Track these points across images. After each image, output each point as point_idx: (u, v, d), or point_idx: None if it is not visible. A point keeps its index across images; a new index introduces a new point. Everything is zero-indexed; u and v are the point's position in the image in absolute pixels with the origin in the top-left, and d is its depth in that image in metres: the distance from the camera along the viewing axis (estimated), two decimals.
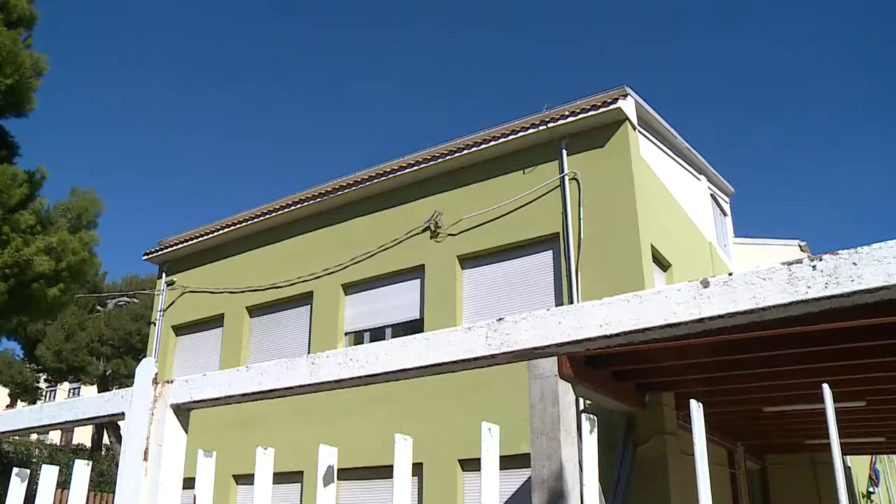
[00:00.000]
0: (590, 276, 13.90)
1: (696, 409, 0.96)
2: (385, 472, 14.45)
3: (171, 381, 1.73)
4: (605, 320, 1.08)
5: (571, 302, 14.01)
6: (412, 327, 15.77)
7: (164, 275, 21.38)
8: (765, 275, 1.03)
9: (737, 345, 9.79)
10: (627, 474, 11.71)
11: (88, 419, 1.97)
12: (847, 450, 21.26)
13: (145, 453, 1.69)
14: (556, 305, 14.27)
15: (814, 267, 1.00)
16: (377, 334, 16.71)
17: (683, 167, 18.45)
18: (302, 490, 15.44)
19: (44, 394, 39.20)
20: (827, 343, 9.70)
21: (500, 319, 1.17)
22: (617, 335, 1.07)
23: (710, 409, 14.00)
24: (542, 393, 9.82)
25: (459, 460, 14.08)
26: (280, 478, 15.15)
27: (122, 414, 1.82)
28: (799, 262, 1.03)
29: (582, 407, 12.23)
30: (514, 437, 11.73)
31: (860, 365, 10.62)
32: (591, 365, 10.53)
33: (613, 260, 13.67)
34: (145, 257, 21.76)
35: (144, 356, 21.72)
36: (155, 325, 21.13)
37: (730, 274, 1.05)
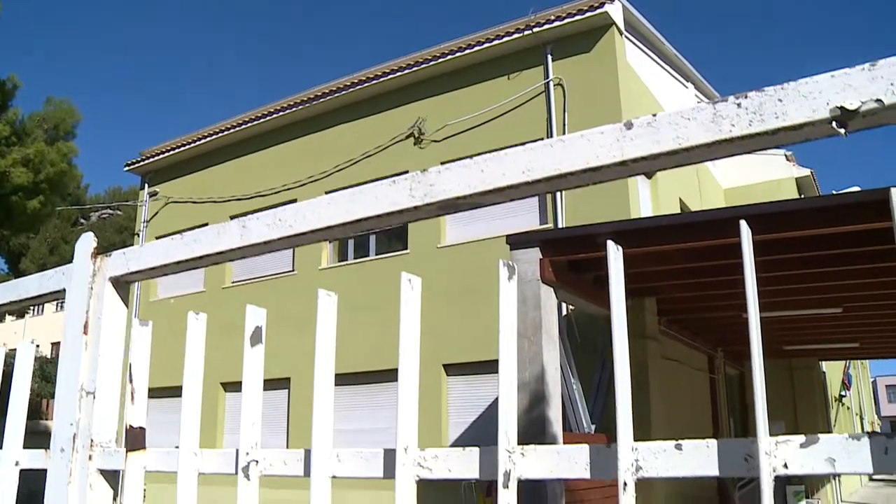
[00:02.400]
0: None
1: (614, 252, 0.93)
2: (375, 377, 14.68)
3: (109, 255, 1.70)
4: (527, 167, 1.04)
5: (555, 210, 14.01)
6: (396, 233, 15.78)
7: (146, 186, 21.21)
8: (689, 114, 0.99)
9: (717, 251, 9.83)
10: (608, 378, 11.90)
11: (32, 298, 1.95)
12: (823, 355, 21.67)
13: (85, 326, 1.66)
14: (541, 214, 14.32)
15: (739, 105, 0.96)
16: (361, 240, 16.74)
17: (671, 74, 18.22)
18: (289, 396, 15.67)
19: (29, 308, 39.31)
20: (805, 249, 9.76)
21: (425, 171, 1.13)
22: (538, 181, 1.03)
23: (691, 314, 14.17)
24: (524, 297, 9.87)
25: (444, 365, 14.28)
26: (267, 385, 15.32)
27: (64, 291, 1.79)
28: (724, 100, 0.99)
29: (565, 312, 12.36)
30: (496, 342, 11.84)
31: (837, 272, 10.72)
32: (573, 270, 10.58)
33: None
34: (127, 168, 21.52)
35: None
36: (139, 236, 21.06)
37: (654, 115, 1.01)
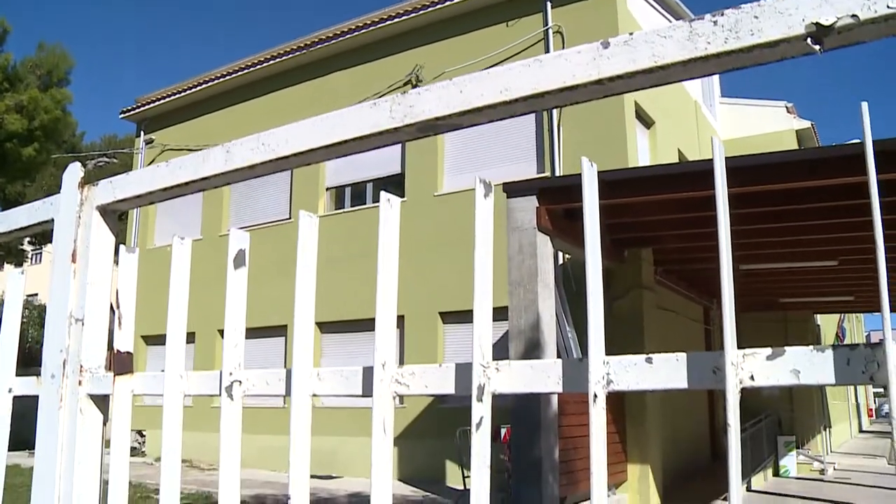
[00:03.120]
0: (571, 132, 13.80)
1: (588, 168, 0.93)
2: (372, 324, 14.76)
3: (96, 184, 1.70)
4: (505, 87, 1.04)
5: (553, 159, 13.97)
6: (393, 182, 15.77)
7: (142, 133, 21.09)
8: (665, 33, 0.99)
9: (713, 201, 9.81)
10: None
11: (22, 229, 1.96)
12: (818, 309, 21.80)
13: (73, 255, 1.68)
14: (538, 162, 14.27)
15: (715, 22, 0.96)
16: (358, 189, 16.72)
17: (672, 22, 18.02)
18: (286, 343, 15.79)
19: (29, 256, 39.24)
20: (803, 201, 9.76)
21: (405, 92, 1.13)
22: (516, 101, 1.03)
23: (687, 265, 14.23)
24: (520, 245, 9.91)
25: (440, 313, 14.37)
26: (265, 332, 15.47)
27: (52, 221, 1.80)
28: (700, 18, 0.98)
29: (561, 261, 12.39)
30: (494, 291, 11.89)
31: (834, 224, 10.73)
32: (569, 218, 10.60)
33: (596, 116, 13.52)
34: (122, 116, 21.37)
35: (125, 217, 21.76)
36: None
37: (630, 33, 1.00)
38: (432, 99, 1.11)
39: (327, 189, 17.11)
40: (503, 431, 11.56)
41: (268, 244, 14.91)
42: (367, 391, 1.11)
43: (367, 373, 1.12)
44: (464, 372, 1.04)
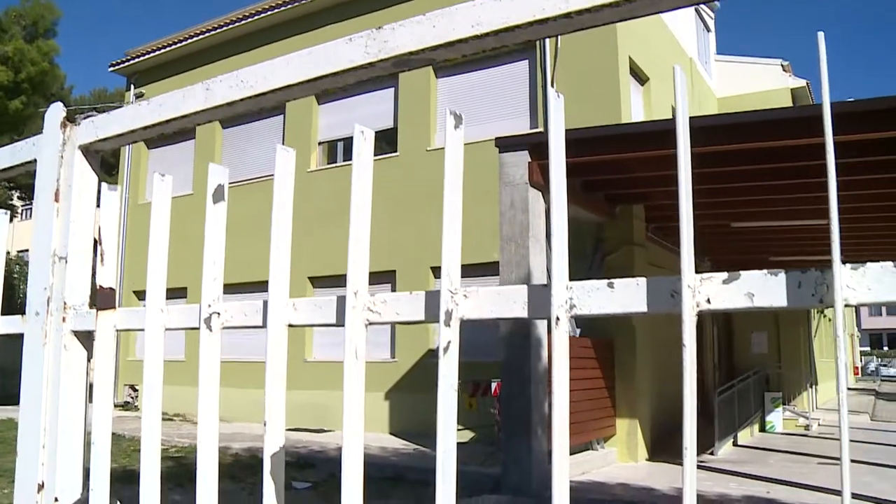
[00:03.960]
0: (565, 88, 13.72)
1: (555, 99, 0.95)
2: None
3: (78, 124, 1.71)
4: (476, 21, 1.05)
5: (546, 115, 13.91)
6: (386, 136, 15.71)
7: (132, 87, 20.91)
8: None
9: (706, 158, 9.83)
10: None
11: (4, 170, 1.97)
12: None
13: (56, 194, 1.69)
14: (531, 118, 14.23)
15: None
16: (350, 143, 16.66)
17: None
18: None
19: (19, 210, 39.09)
20: (795, 159, 9.77)
21: (380, 28, 1.14)
22: (487, 35, 1.05)
23: (678, 222, 14.24)
24: (512, 200, 9.92)
25: (432, 268, 14.41)
26: (254, 287, 15.47)
27: (35, 161, 1.81)
28: None
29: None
30: (486, 246, 11.94)
31: (827, 182, 10.74)
32: None
33: (589, 71, 13.45)
34: (112, 69, 21.16)
35: (116, 170, 21.61)
36: None
37: None
38: (406, 34, 1.12)
39: (319, 143, 17.05)
40: (493, 385, 11.68)
41: (260, 198, 14.88)
42: (341, 320, 1.14)
43: (341, 301, 1.15)
44: (433, 299, 1.06)
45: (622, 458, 11.83)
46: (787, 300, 0.86)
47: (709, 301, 0.89)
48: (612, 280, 0.94)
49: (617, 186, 11.41)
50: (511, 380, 9.68)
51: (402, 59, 1.13)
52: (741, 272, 0.89)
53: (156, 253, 1.44)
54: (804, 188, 11.10)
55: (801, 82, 23.65)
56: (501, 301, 1.03)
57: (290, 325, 1.24)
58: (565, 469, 0.92)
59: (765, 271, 0.88)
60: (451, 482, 1.01)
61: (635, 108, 14.47)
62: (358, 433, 1.11)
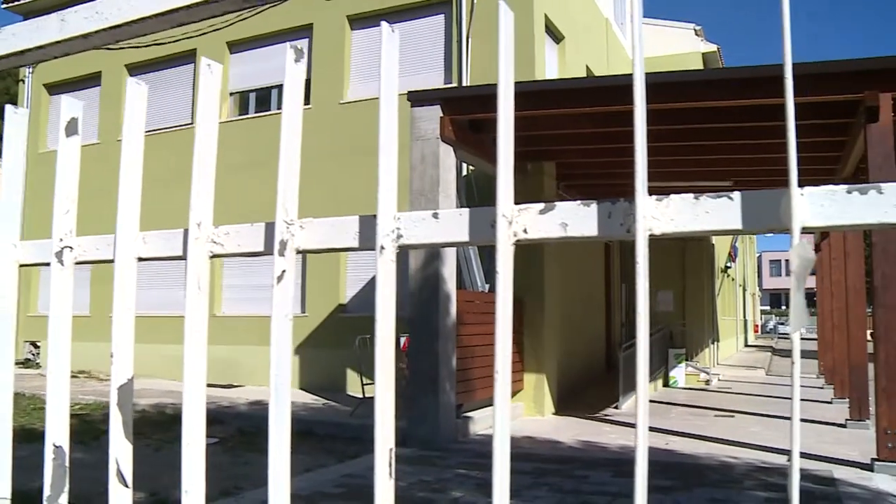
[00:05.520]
0: (480, 44, 13.73)
1: (389, 33, 0.96)
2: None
3: None
4: None
5: (461, 70, 13.90)
6: None
7: None
8: None
9: (616, 117, 10.00)
10: None
11: None
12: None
13: None
14: (446, 73, 14.20)
15: None
16: (262, 94, 16.36)
17: None
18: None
19: None
20: (701, 121, 10.03)
21: None
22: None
23: (589, 181, 14.49)
24: (422, 155, 9.92)
25: None
26: None
27: None
28: None
29: (465, 172, 12.47)
30: (399, 201, 11.91)
31: (729, 145, 11.08)
32: (474, 130, 10.63)
33: None
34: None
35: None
36: (24, 82, 20.07)
37: None
38: None
39: (231, 94, 16.69)
40: (402, 340, 11.75)
41: (167, 150, 14.49)
42: (186, 252, 1.14)
43: (186, 234, 1.15)
44: (272, 231, 1.08)
45: (529, 412, 12.10)
46: (597, 230, 0.90)
47: (526, 231, 0.93)
48: (438, 211, 0.97)
49: (528, 143, 11.52)
50: (419, 335, 9.77)
51: None
52: (556, 203, 0.92)
53: (8, 186, 1.41)
54: (708, 150, 11.44)
55: (712, 47, 24.17)
56: (335, 232, 1.05)
57: (140, 259, 1.23)
58: (388, 401, 0.96)
59: (578, 202, 0.92)
60: (285, 404, 1.03)
61: (550, 66, 14.57)
62: (199, 371, 1.12)
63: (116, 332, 1.19)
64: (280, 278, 1.03)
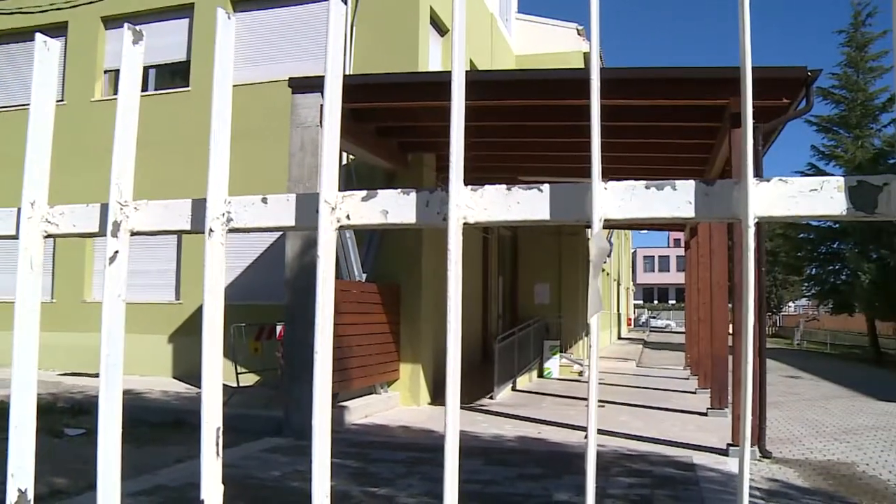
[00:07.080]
0: (364, 34, 13.69)
1: (224, 21, 0.99)
2: None
3: None
4: None
5: (344, 58, 13.80)
6: (178, 69, 15.07)
7: None
8: None
9: (497, 111, 10.18)
10: (382, 231, 12.21)
11: None
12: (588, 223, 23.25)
13: None
14: None
15: None
16: (143, 72, 15.86)
17: None
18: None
19: None
20: (581, 118, 10.32)
21: None
22: None
23: (470, 173, 14.62)
24: (302, 142, 9.84)
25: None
26: None
27: None
28: None
29: (345, 161, 12.43)
30: (279, 187, 11.79)
31: (609, 144, 11.44)
32: (355, 119, 10.61)
33: (389, 20, 13.48)
34: None
35: None
36: None
37: None
38: None
39: (105, 72, 16.07)
40: (279, 329, 11.64)
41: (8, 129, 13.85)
42: (19, 231, 1.14)
43: (19, 213, 1.14)
44: (107, 212, 1.08)
45: (405, 401, 12.19)
46: (416, 217, 0.96)
47: (349, 217, 0.97)
48: (267, 195, 1.01)
49: (409, 135, 11.59)
50: (295, 323, 9.71)
51: None
52: (379, 191, 0.97)
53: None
54: (587, 147, 11.77)
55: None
56: (168, 215, 1.07)
57: None
58: (216, 366, 0.99)
59: (399, 190, 0.97)
60: (116, 386, 1.05)
61: (433, 58, 14.66)
62: (30, 353, 1.12)
63: None
64: (112, 259, 1.04)
